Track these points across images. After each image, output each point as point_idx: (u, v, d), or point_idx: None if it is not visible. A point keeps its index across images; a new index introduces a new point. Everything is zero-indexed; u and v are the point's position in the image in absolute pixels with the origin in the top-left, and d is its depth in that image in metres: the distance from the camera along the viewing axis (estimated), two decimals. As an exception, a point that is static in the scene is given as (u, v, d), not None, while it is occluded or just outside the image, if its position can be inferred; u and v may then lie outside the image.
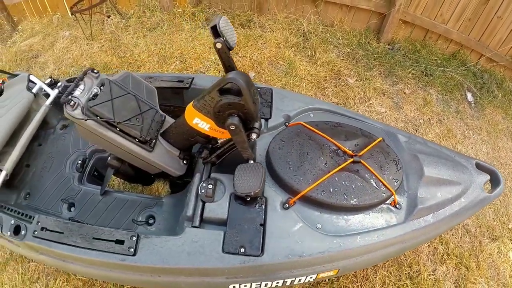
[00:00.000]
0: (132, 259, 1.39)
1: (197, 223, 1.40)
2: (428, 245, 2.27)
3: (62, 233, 1.54)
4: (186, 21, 3.44)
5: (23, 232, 1.61)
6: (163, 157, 1.67)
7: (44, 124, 2.18)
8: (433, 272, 2.15)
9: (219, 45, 1.31)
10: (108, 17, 3.79)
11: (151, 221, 1.83)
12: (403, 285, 2.03)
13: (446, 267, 2.20)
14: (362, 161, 1.53)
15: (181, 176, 1.78)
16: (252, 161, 1.42)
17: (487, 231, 2.44)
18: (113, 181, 2.49)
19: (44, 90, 2.31)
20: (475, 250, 2.32)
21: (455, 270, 2.21)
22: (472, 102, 3.22)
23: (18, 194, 2.11)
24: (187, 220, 1.44)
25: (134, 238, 1.42)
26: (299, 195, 1.40)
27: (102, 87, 1.56)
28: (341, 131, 1.69)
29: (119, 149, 1.59)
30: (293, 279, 1.40)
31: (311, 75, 2.91)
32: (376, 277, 2.02)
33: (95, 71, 1.60)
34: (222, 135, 1.44)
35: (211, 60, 3.03)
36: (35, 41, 3.87)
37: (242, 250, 1.29)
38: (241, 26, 3.37)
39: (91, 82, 1.55)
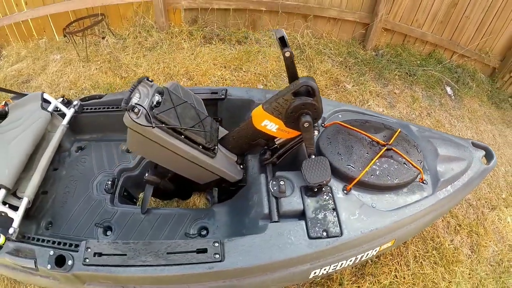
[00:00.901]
0: (222, 265, 1.44)
1: (276, 218, 1.56)
2: (442, 220, 2.70)
3: (125, 255, 1.50)
4: (184, 40, 3.74)
5: (69, 262, 1.52)
6: (224, 162, 1.80)
7: (57, 147, 2.15)
8: (451, 242, 2.58)
9: (288, 54, 1.45)
10: (103, 38, 3.98)
11: (203, 232, 1.90)
12: (431, 256, 2.42)
13: (460, 236, 2.64)
14: (393, 148, 1.90)
15: (233, 182, 1.91)
16: (313, 156, 1.66)
17: (486, 202, 2.93)
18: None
19: (59, 110, 2.29)
20: (480, 219, 2.79)
21: (468, 238, 2.65)
22: (452, 94, 3.80)
23: (38, 225, 2.02)
24: (262, 218, 1.61)
25: (217, 244, 1.48)
26: (355, 180, 1.71)
27: (161, 96, 1.63)
28: (370, 126, 2.07)
29: (179, 157, 1.66)
30: (363, 254, 1.68)
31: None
32: (408, 253, 2.40)
33: (149, 79, 1.68)
34: (287, 135, 1.68)
35: (217, 75, 3.35)
36: (24, 66, 3.94)
37: (325, 233, 1.52)
38: (238, 42, 3.75)
39: (147, 90, 1.63)
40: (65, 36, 4.04)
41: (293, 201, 1.62)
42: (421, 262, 2.38)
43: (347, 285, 2.15)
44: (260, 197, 1.66)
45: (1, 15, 4.18)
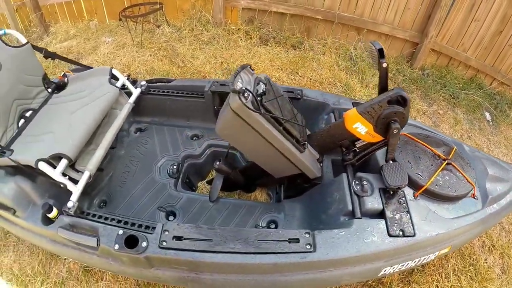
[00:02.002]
0: (314, 255, 1.55)
1: (359, 215, 1.73)
2: (478, 239, 2.99)
3: (211, 240, 1.54)
4: (240, 38, 4.01)
5: (143, 244, 1.52)
6: (309, 158, 1.95)
7: None
8: (485, 260, 2.85)
9: (385, 65, 1.66)
10: (158, 26, 4.23)
11: (272, 225, 2.05)
12: (468, 271, 2.69)
13: (493, 256, 2.91)
14: (453, 163, 2.14)
15: (310, 179, 2.06)
16: (391, 161, 1.88)
17: (516, 228, 3.25)
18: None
19: (126, 87, 2.36)
20: (511, 242, 3.10)
21: (500, 259, 2.91)
22: (490, 120, 4.08)
23: (90, 202, 2.06)
24: (344, 214, 1.79)
25: (308, 235, 1.59)
26: (423, 188, 1.92)
27: (265, 85, 1.75)
28: (432, 141, 2.29)
29: (270, 148, 1.77)
30: (426, 257, 1.92)
31: (366, 96, 3.59)
32: (448, 266, 2.67)
33: (251, 68, 1.80)
34: (371, 139, 1.87)
35: (275, 77, 3.61)
36: (74, 44, 4.18)
37: (401, 233, 1.72)
38: (293, 47, 4.03)
39: (248, 78, 1.75)
40: (120, 19, 4.28)
41: (374, 201, 1.79)
42: (459, 275, 2.65)
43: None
44: (343, 195, 1.84)
45: (52, -8, 4.45)
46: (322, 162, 2.12)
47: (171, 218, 2.04)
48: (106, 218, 1.70)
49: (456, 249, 2.60)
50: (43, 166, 1.72)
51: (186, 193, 2.18)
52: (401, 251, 1.79)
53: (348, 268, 1.72)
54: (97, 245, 1.57)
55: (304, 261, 1.55)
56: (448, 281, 2.59)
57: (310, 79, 3.66)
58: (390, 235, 1.72)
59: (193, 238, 1.53)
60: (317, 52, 4.00)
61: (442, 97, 4.01)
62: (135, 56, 3.91)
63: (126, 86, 2.40)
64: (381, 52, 1.68)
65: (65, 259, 2.29)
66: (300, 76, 3.67)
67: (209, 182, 2.48)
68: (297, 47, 4.05)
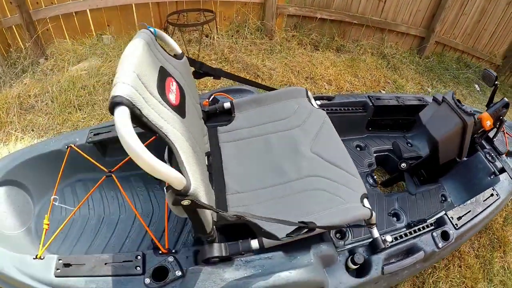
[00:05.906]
0: (499, 200, 2.61)
1: (497, 173, 2.78)
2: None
3: (470, 211, 2.45)
4: (295, 45, 4.98)
5: (451, 232, 2.24)
6: None
7: None
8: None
9: (497, 84, 2.68)
10: (206, 36, 4.64)
11: (443, 198, 3.02)
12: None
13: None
14: (507, 132, 3.51)
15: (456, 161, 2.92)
16: (494, 139, 3.25)
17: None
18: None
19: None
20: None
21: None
22: (479, 90, 6.06)
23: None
24: (489, 175, 2.80)
25: (493, 190, 2.65)
26: (507, 151, 3.25)
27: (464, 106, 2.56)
28: None
29: (459, 142, 2.69)
30: None
31: (415, 90, 4.98)
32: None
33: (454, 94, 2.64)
34: (488, 128, 2.94)
35: (347, 81, 4.65)
36: (96, 64, 4.00)
37: None
38: (337, 50, 5.24)
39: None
40: (164, 29, 4.47)
41: (500, 163, 2.92)
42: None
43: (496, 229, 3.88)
44: (485, 164, 2.90)
45: (44, 4, 4.09)
46: None
47: (394, 219, 2.76)
48: (400, 236, 2.20)
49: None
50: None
51: (395, 194, 2.93)
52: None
53: (503, 203, 2.77)
54: (424, 255, 2.12)
55: (498, 205, 2.61)
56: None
57: (370, 79, 4.84)
58: None
59: (464, 213, 2.42)
60: (358, 54, 5.30)
61: (449, 79, 5.76)
62: (199, 70, 4.34)
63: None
64: (496, 77, 2.92)
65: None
66: (361, 77, 4.82)
67: (383, 184, 3.45)
68: (340, 50, 5.27)
